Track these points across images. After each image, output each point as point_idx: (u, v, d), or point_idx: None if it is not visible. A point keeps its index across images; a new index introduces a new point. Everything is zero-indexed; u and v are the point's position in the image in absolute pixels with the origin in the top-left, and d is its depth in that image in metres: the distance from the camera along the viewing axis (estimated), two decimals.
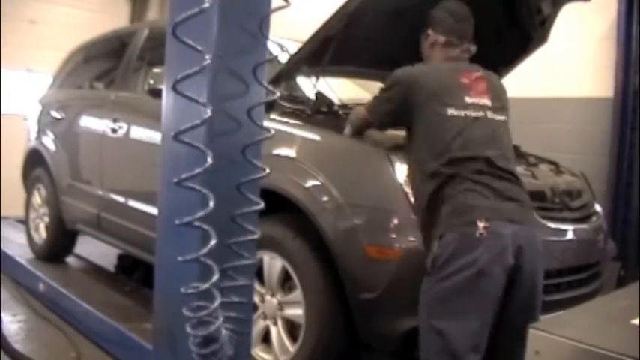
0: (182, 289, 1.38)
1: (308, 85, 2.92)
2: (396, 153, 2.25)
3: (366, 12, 2.48)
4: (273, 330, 2.52)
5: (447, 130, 1.87)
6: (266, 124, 1.57)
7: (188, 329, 1.39)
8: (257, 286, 2.48)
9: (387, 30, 2.70)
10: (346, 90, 3.39)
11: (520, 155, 2.89)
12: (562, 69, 4.21)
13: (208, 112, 1.35)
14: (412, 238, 2.11)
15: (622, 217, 4.06)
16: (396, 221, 2.19)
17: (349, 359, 2.46)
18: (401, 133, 2.14)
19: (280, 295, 2.51)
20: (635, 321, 1.29)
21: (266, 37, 1.54)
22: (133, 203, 3.43)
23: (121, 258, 4.40)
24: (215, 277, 1.35)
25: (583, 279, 2.61)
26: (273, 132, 1.59)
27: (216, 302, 1.38)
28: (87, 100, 4.25)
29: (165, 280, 1.59)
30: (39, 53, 6.10)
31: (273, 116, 2.62)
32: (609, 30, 4.14)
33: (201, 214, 1.33)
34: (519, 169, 2.57)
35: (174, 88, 1.33)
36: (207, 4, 1.29)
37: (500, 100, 2.01)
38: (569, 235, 2.55)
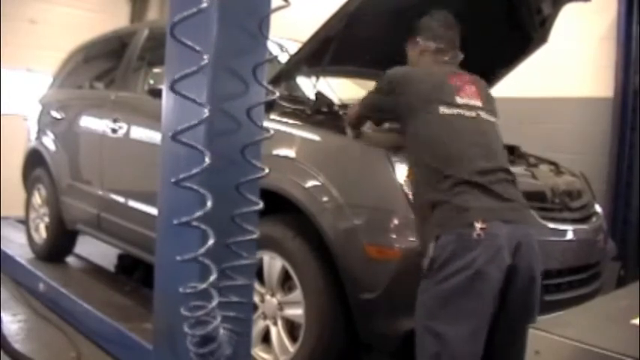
0: (180, 289, 1.38)
1: (308, 85, 2.92)
2: (396, 153, 2.25)
3: (366, 12, 2.48)
4: (273, 330, 2.52)
5: (442, 131, 1.88)
6: (266, 124, 1.57)
7: (186, 329, 1.39)
8: (257, 286, 2.48)
9: (387, 30, 2.70)
10: (346, 90, 3.38)
11: (520, 155, 2.89)
12: (562, 69, 4.21)
13: (206, 112, 1.35)
14: (412, 238, 2.11)
15: (622, 217, 4.06)
16: (396, 221, 2.19)
17: (349, 359, 2.46)
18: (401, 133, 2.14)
19: (280, 295, 2.51)
20: (635, 321, 1.29)
21: (266, 37, 1.53)
22: (132, 203, 3.43)
23: (121, 258, 4.40)
24: (213, 277, 1.35)
25: (583, 279, 2.61)
26: (272, 132, 1.59)
27: (214, 302, 1.38)
28: (87, 100, 4.25)
29: (165, 280, 1.59)
30: (39, 53, 6.11)
31: (273, 116, 2.62)
32: (609, 30, 4.14)
33: (199, 213, 1.33)
34: (519, 170, 2.58)
35: (172, 88, 1.33)
36: (205, 4, 1.29)
37: (490, 104, 2.06)
38: (569, 236, 2.55)
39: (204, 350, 1.42)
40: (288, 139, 2.54)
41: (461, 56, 2.14)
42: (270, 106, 2.52)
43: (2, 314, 2.82)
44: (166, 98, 1.53)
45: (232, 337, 1.51)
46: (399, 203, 2.18)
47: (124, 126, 3.53)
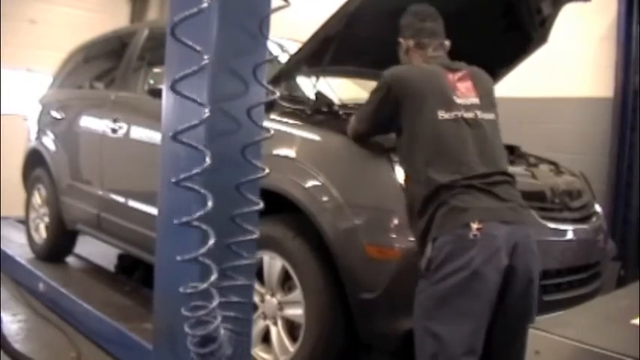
0: (181, 289, 1.38)
1: (308, 85, 2.92)
2: (396, 153, 2.25)
3: (366, 12, 2.48)
4: (273, 330, 2.52)
5: (441, 136, 1.87)
6: (266, 124, 1.57)
7: (186, 329, 1.39)
8: (257, 286, 2.48)
9: (387, 30, 2.70)
10: (346, 90, 3.39)
11: (520, 155, 2.89)
12: (562, 69, 4.21)
13: (207, 112, 1.35)
14: (412, 238, 2.11)
15: (622, 217, 4.06)
16: (396, 221, 2.19)
17: (349, 359, 2.46)
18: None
19: (280, 295, 2.51)
20: (635, 321, 1.29)
21: (266, 37, 1.54)
22: (133, 203, 3.43)
23: (121, 258, 4.40)
24: (213, 277, 1.35)
25: (583, 279, 2.61)
26: (272, 132, 1.59)
27: (215, 302, 1.38)
28: (87, 100, 4.25)
29: (165, 280, 1.59)
30: (39, 53, 6.11)
31: (273, 116, 2.62)
32: (609, 30, 4.14)
33: (199, 213, 1.33)
34: (519, 170, 2.58)
35: (172, 88, 1.33)
36: (205, 4, 1.29)
37: (488, 96, 2.01)
38: (569, 236, 2.55)
39: (205, 350, 1.42)
40: (288, 139, 2.54)
41: (447, 44, 2.09)
42: (270, 106, 2.52)
43: (2, 314, 2.82)
44: (166, 98, 1.53)
45: (232, 337, 1.51)
46: (399, 203, 2.18)
47: (124, 126, 3.53)
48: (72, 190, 4.05)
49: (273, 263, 2.50)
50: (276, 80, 2.63)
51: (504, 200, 1.84)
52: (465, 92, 1.94)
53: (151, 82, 3.13)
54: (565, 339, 1.19)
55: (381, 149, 2.29)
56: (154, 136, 3.06)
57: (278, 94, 1.72)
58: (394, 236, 2.19)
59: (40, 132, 4.51)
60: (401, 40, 2.12)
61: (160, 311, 1.61)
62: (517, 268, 1.79)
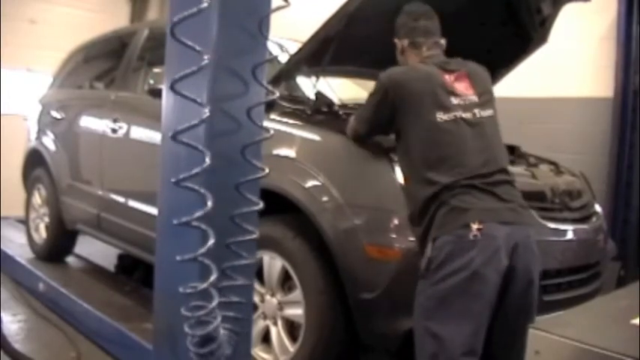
0: (181, 289, 1.38)
1: (308, 85, 2.92)
2: (396, 153, 2.25)
3: (366, 12, 2.48)
4: (273, 330, 2.52)
5: (440, 138, 1.86)
6: (266, 124, 1.57)
7: (186, 329, 1.39)
8: (257, 286, 2.48)
9: (387, 30, 2.70)
10: (346, 90, 3.39)
11: (520, 155, 2.89)
12: (562, 69, 4.21)
13: (207, 112, 1.35)
14: (412, 238, 2.11)
15: (622, 217, 4.06)
16: (396, 221, 2.19)
17: (349, 359, 2.46)
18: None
19: (280, 295, 2.51)
20: (635, 321, 1.29)
21: (266, 37, 1.54)
22: (132, 203, 3.43)
23: (121, 258, 4.40)
24: (213, 277, 1.35)
25: (583, 279, 2.60)
26: (272, 132, 1.59)
27: (214, 302, 1.38)
28: (87, 100, 4.25)
29: (165, 280, 1.59)
30: (39, 53, 6.11)
31: (273, 116, 2.62)
32: (609, 30, 4.14)
33: (199, 213, 1.33)
34: (519, 169, 2.58)
35: (172, 88, 1.33)
36: (205, 4, 1.29)
37: (485, 92, 2.00)
38: (569, 235, 2.55)
39: (205, 350, 1.42)
40: (288, 139, 2.54)
41: (443, 43, 2.08)
42: (270, 106, 2.52)
43: (2, 314, 2.82)
44: (166, 98, 1.53)
45: (232, 337, 1.52)
46: (399, 203, 2.18)
47: (124, 126, 3.53)
48: (72, 190, 4.05)
49: (273, 263, 2.50)
50: (276, 80, 2.64)
51: (505, 201, 1.84)
52: (463, 91, 1.94)
53: (151, 82, 3.12)
54: (565, 339, 1.19)
55: (381, 149, 2.29)
56: (154, 136, 3.06)
57: (278, 94, 1.71)
58: (394, 236, 2.19)
59: (40, 132, 4.51)
60: (396, 40, 2.12)
61: (160, 311, 1.61)
62: (517, 268, 1.79)
